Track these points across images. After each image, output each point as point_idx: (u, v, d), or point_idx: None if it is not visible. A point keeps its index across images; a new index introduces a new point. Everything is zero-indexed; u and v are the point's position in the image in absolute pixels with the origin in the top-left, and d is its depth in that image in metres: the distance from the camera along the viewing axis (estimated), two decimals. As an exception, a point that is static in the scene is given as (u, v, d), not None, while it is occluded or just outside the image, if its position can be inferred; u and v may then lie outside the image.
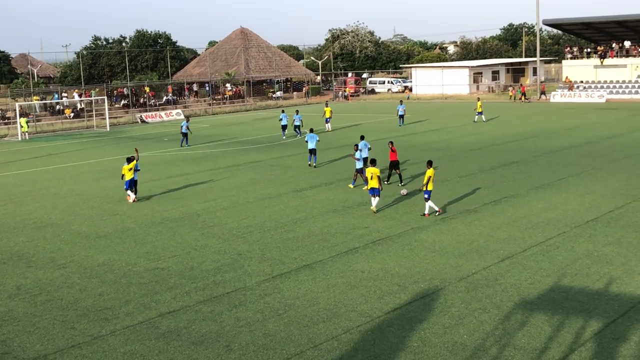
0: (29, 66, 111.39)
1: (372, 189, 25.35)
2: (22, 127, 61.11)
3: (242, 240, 22.47)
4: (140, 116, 75.01)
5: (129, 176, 29.49)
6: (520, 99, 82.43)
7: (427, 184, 24.07)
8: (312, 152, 36.59)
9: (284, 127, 51.86)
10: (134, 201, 29.50)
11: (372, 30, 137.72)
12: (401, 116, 58.78)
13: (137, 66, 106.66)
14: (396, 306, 16.05)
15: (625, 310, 15.26)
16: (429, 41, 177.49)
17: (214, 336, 14.73)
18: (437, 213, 24.61)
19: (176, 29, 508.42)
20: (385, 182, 30.55)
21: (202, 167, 38.48)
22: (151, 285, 18.34)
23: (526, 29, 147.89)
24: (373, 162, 25.76)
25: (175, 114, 76.69)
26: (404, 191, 24.86)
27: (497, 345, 13.76)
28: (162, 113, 77.21)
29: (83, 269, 20.08)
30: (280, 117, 52.29)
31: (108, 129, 67.30)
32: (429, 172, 24.13)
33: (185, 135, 48.91)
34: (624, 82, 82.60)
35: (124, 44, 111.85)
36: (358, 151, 31.49)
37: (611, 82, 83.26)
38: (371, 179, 25.19)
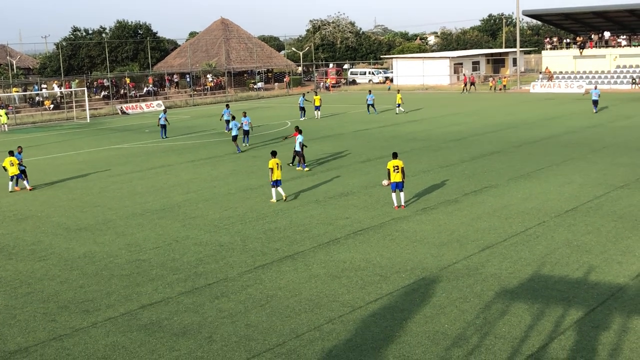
0: (7, 57, 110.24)
1: (276, 180, 26.11)
2: (1, 118, 60.66)
3: (223, 232, 22.45)
4: (121, 107, 74.61)
5: (13, 171, 30.66)
6: (466, 90, 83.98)
7: (388, 175, 24.20)
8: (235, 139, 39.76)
9: (228, 122, 48.65)
10: (30, 189, 31.06)
11: (353, 20, 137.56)
12: (370, 105, 60.42)
13: (118, 57, 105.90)
14: (378, 296, 16.12)
15: (604, 299, 15.41)
16: (410, 32, 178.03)
17: (196, 327, 14.73)
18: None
19: (156, 19, 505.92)
20: (289, 164, 33.55)
21: (183, 159, 38.37)
22: (132, 277, 18.29)
23: (506, 20, 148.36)
24: (274, 154, 26.57)
25: (155, 105, 76.36)
26: (385, 182, 24.90)
27: (477, 334, 13.86)
28: (143, 104, 76.87)
29: (64, 261, 19.99)
30: (223, 112, 50.14)
31: (88, 121, 66.94)
32: (388, 164, 24.26)
33: (163, 126, 48.64)
34: (603, 72, 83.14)
35: (103, 35, 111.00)
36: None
37: (590, 72, 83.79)
38: (278, 169, 26.00)
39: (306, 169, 33.09)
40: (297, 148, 32.59)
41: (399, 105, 60.14)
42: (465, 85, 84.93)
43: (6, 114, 61.95)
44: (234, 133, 39.94)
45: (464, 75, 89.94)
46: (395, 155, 24.63)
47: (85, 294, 17.08)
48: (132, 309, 15.96)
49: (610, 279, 16.73)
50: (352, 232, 21.76)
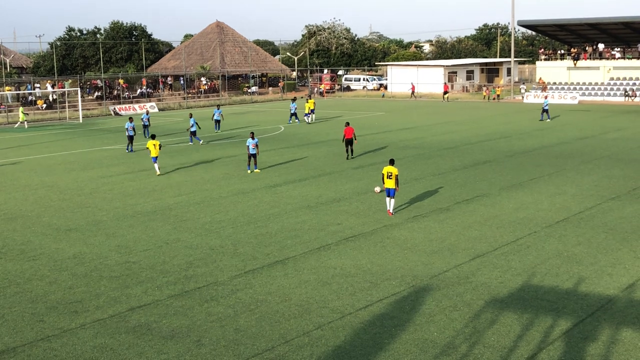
0: (1, 56, 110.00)
1: (154, 157, 33.61)
2: (19, 115, 62.33)
3: (214, 235, 22.41)
4: (114, 108, 74.48)
5: None
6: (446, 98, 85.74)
7: (382, 180, 24.32)
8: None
9: (217, 122, 53.42)
10: None
11: (349, 27, 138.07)
12: (293, 114, 59.70)
13: (112, 58, 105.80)
14: (368, 303, 16.11)
15: (593, 310, 15.43)
16: (405, 40, 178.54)
17: (185, 331, 14.69)
18: None
19: (151, 21, 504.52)
20: (348, 158, 37.59)
21: (175, 161, 38.29)
22: (122, 279, 18.23)
23: (501, 30, 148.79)
24: (153, 137, 34.08)
25: (149, 107, 76.16)
26: (377, 189, 24.91)
27: (466, 343, 13.86)
28: (136, 106, 76.71)
29: (53, 261, 19.91)
30: (216, 112, 53.96)
31: (81, 121, 66.78)
32: (384, 169, 24.40)
33: (146, 127, 50.22)
34: (596, 84, 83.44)
35: (98, 36, 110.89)
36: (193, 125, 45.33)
37: (584, 83, 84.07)
38: (155, 148, 33.32)
39: (256, 170, 34.25)
40: (252, 151, 33.71)
41: (307, 115, 59.82)
42: (445, 93, 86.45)
43: (24, 112, 62.75)
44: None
45: (445, 84, 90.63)
46: (391, 162, 24.68)
47: (74, 295, 17.01)
48: (121, 311, 15.91)
49: (600, 290, 16.76)
50: (343, 238, 21.74)
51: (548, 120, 57.93)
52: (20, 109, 63.73)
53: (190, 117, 46.55)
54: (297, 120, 59.39)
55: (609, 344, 13.70)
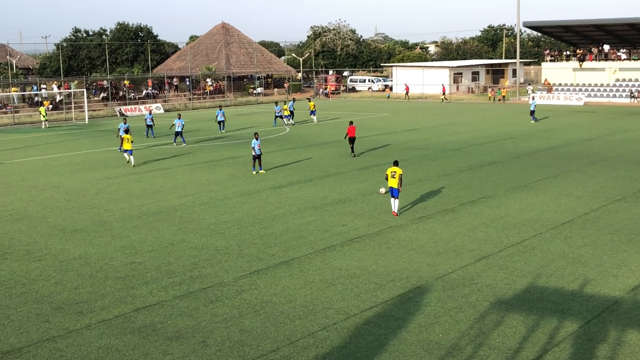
0: (7, 57, 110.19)
1: (127, 150, 36.99)
2: (43, 115, 63.00)
3: (219, 236, 22.43)
4: (120, 109, 74.56)
5: None
6: (445, 99, 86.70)
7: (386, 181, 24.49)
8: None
9: (220, 123, 54.17)
10: None
11: (354, 28, 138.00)
12: (278, 116, 59.04)
13: (117, 59, 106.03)
14: (373, 304, 16.10)
15: (599, 312, 15.40)
16: (410, 41, 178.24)
17: (190, 331, 14.70)
18: None
19: (157, 22, 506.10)
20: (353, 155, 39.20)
21: (180, 162, 38.35)
22: (127, 279, 18.25)
23: (506, 31, 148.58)
24: (127, 131, 38.37)
25: (155, 108, 76.28)
26: (382, 190, 24.93)
27: (472, 344, 13.84)
28: (142, 107, 76.81)
29: (59, 262, 19.95)
30: (218, 113, 54.52)
31: (87, 122, 66.90)
32: (388, 170, 24.54)
33: (150, 127, 51.08)
34: (602, 85, 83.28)
35: (104, 37, 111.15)
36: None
37: (589, 85, 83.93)
38: (127, 142, 36.83)
39: (262, 171, 34.29)
40: (258, 152, 33.73)
41: (288, 116, 59.28)
42: (444, 94, 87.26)
43: (45, 111, 63.28)
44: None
45: (442, 85, 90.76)
46: (396, 163, 24.72)
47: (80, 296, 17.04)
48: (126, 311, 15.93)
49: (605, 292, 16.73)
50: (349, 239, 21.74)
51: (532, 121, 57.57)
52: (41, 108, 64.12)
53: (179, 118, 46.53)
54: (284, 121, 59.15)
55: (615, 345, 13.68)
